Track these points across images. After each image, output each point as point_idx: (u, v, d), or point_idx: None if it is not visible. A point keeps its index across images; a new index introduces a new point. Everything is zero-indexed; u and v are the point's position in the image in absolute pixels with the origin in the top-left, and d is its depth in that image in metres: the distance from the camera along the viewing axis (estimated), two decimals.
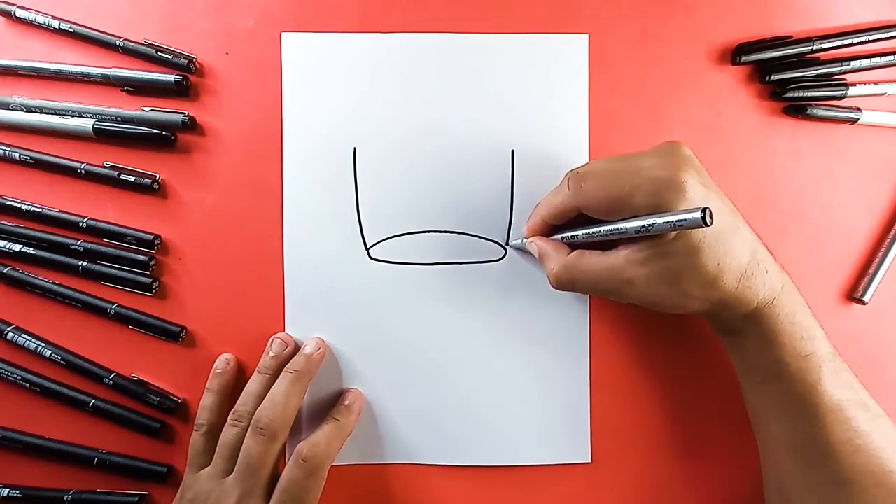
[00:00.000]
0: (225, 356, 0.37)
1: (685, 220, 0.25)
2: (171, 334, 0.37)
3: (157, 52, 0.36)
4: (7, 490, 0.37)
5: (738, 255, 0.29)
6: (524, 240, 0.35)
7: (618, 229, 0.29)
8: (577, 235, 0.32)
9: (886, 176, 0.38)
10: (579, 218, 0.32)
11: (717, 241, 0.28)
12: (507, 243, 0.37)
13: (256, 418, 0.34)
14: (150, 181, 0.36)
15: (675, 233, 0.28)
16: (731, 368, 0.37)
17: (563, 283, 0.32)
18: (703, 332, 0.37)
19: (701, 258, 0.28)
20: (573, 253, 0.32)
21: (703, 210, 0.24)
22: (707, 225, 0.24)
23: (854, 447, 0.30)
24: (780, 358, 0.30)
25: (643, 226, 0.28)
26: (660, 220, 0.27)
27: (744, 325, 0.31)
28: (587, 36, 0.37)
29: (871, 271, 0.37)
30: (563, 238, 0.34)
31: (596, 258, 0.31)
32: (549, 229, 0.34)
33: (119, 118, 0.36)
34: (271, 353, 0.36)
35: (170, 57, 0.36)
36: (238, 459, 0.33)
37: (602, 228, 0.30)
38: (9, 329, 0.37)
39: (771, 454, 0.33)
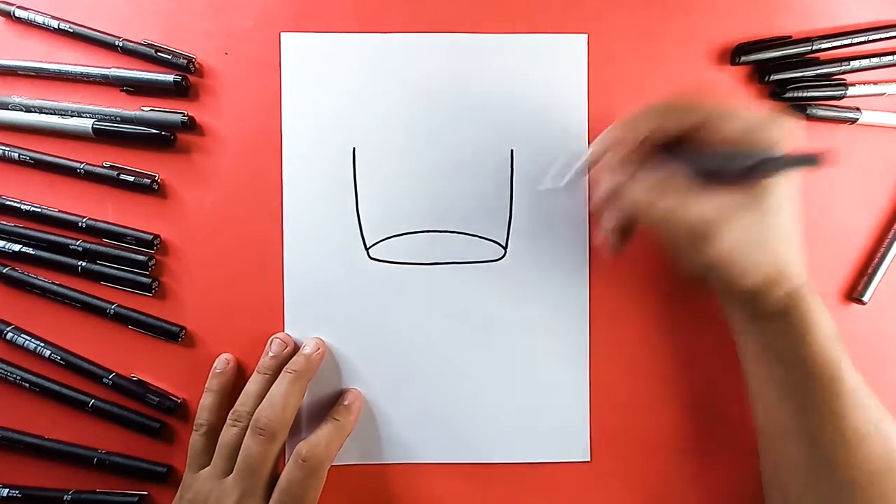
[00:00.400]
0: (224, 356, 0.37)
1: (802, 158, 0.26)
2: (171, 334, 0.37)
3: (156, 52, 0.36)
4: (7, 490, 0.37)
5: (796, 226, 0.30)
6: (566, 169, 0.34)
7: (730, 159, 0.29)
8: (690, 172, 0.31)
9: (886, 176, 0.38)
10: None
11: (790, 203, 0.30)
12: (553, 183, 0.35)
13: (256, 418, 0.34)
14: (149, 181, 0.36)
15: (767, 188, 0.29)
16: (731, 369, 0.37)
17: (649, 216, 0.30)
18: (702, 333, 0.37)
19: (783, 216, 0.29)
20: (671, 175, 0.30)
21: (817, 155, 0.26)
22: (816, 166, 0.26)
23: (867, 433, 0.30)
24: (812, 340, 0.30)
25: (760, 161, 0.28)
26: (774, 156, 0.27)
27: (785, 304, 0.31)
28: (587, 36, 0.37)
29: (870, 271, 0.37)
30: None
31: (703, 195, 0.30)
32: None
33: (118, 118, 0.36)
34: (270, 353, 0.36)
35: (169, 57, 0.36)
36: (238, 459, 0.33)
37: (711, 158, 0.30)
38: (8, 329, 0.37)
39: (776, 445, 0.33)
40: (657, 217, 0.30)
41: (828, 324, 0.31)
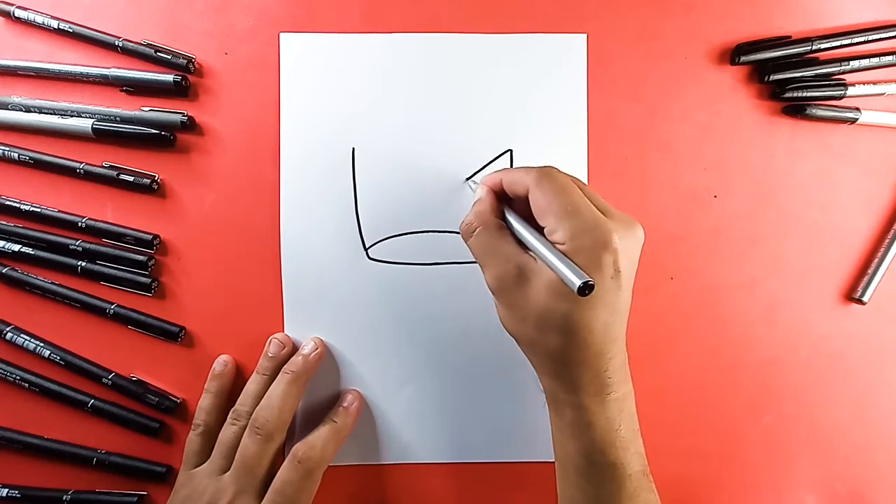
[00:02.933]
0: (223, 358, 0.37)
1: (572, 275, 0.26)
2: (170, 334, 0.37)
3: (156, 52, 0.36)
4: (6, 490, 0.37)
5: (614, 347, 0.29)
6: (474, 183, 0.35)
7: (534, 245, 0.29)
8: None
9: (886, 176, 0.38)
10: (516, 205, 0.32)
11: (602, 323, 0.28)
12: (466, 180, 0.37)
13: (253, 418, 0.34)
14: (149, 181, 0.36)
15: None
16: (732, 368, 0.37)
17: (468, 229, 0.31)
18: (702, 332, 0.37)
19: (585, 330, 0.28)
20: (499, 222, 0.31)
21: (587, 283, 0.25)
22: (582, 293, 0.25)
23: None
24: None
25: (544, 254, 0.28)
26: (554, 258, 0.27)
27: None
28: (586, 36, 0.37)
29: (870, 271, 0.37)
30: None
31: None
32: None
33: (118, 118, 0.36)
34: (269, 354, 0.36)
35: (169, 57, 0.36)
36: (235, 457, 0.34)
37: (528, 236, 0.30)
38: (8, 329, 0.37)
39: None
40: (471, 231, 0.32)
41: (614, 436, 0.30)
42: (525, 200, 0.30)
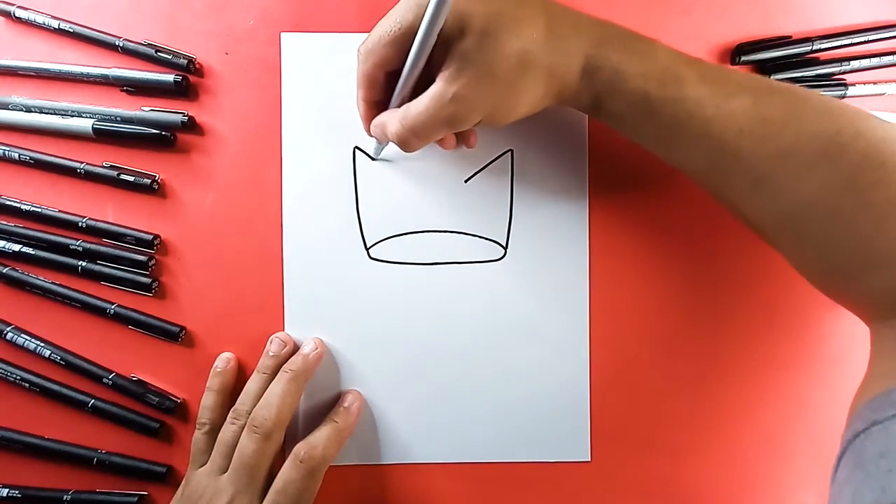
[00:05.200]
0: (225, 355, 0.37)
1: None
2: (171, 334, 0.37)
3: (156, 52, 0.36)
4: (6, 490, 0.37)
5: (529, 23, 0.28)
6: (375, 142, 0.35)
7: (410, 59, 0.28)
8: (397, 96, 0.31)
9: None
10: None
11: (501, 20, 0.27)
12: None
13: (252, 417, 0.34)
14: (149, 181, 0.36)
15: (471, 39, 0.27)
16: (732, 368, 0.37)
17: (406, 138, 0.30)
18: (702, 332, 0.37)
19: (495, 41, 0.27)
20: (401, 107, 0.30)
21: None
22: None
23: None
24: (626, 90, 0.29)
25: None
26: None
27: (589, 84, 0.30)
28: None
29: None
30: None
31: (421, 98, 0.29)
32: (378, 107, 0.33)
33: (118, 118, 0.36)
34: (270, 353, 0.36)
35: (169, 57, 0.36)
36: (233, 457, 0.34)
37: (404, 70, 0.29)
38: (8, 329, 0.37)
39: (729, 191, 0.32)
40: (419, 142, 0.30)
41: (636, 66, 0.29)
42: None
